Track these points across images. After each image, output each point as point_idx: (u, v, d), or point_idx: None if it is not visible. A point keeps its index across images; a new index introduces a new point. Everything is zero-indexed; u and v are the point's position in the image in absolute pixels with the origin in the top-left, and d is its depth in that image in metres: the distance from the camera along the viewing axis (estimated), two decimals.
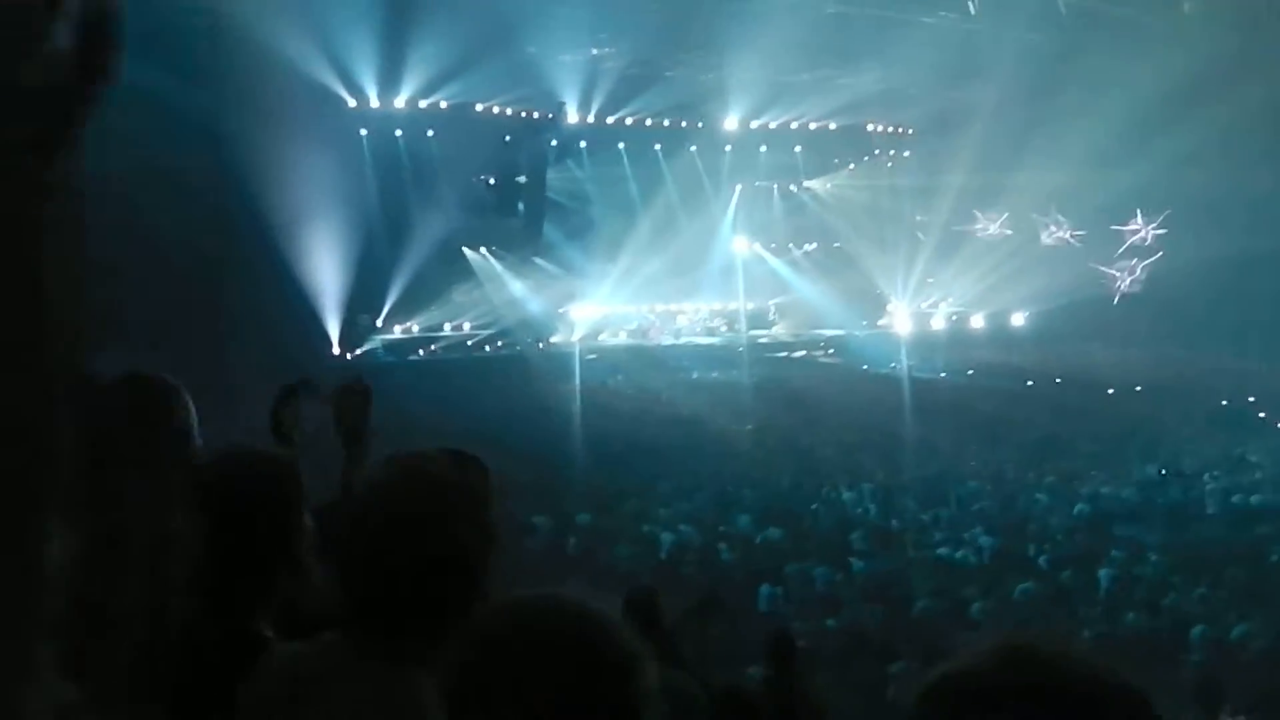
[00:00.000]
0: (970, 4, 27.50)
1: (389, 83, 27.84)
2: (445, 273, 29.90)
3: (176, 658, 2.69)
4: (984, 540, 15.74)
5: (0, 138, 0.94)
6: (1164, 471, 20.98)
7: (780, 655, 7.72)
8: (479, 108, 29.75)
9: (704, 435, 24.68)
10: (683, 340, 34.64)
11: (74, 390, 0.91)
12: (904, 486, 20.21)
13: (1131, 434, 25.18)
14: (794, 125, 34.36)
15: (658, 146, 33.73)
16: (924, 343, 34.65)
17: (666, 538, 15.67)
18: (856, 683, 9.94)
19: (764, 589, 13.02)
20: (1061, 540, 16.04)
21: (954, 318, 36.46)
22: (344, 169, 26.16)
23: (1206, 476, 20.41)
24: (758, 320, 36.02)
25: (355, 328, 27.82)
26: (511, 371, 28.47)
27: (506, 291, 31.48)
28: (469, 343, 30.71)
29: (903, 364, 32.56)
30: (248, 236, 23.25)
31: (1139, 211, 34.32)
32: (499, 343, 30.90)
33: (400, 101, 28.46)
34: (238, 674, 2.59)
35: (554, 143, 32.09)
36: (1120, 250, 35.19)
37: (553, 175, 32.54)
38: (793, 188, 37.17)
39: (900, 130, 36.18)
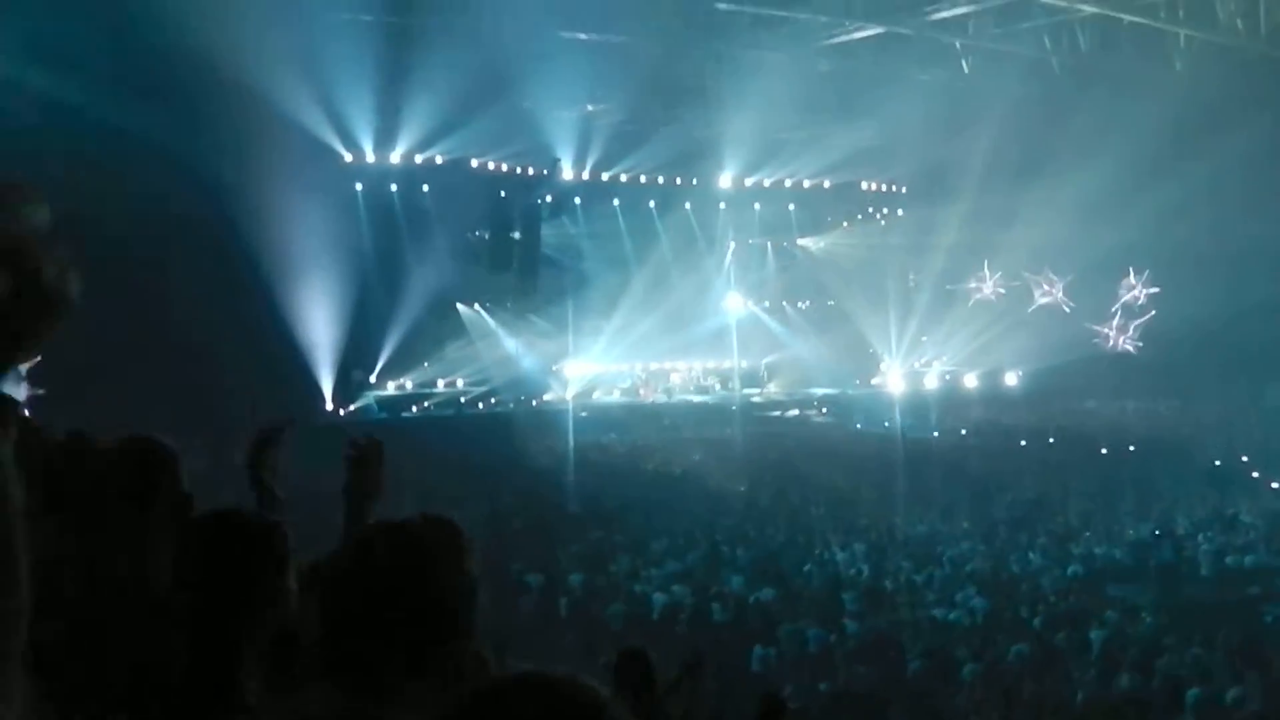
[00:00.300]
0: (963, 61, 27.75)
1: (385, 137, 27.98)
2: (439, 328, 29.91)
3: (162, 717, 2.71)
4: (977, 601, 15.67)
5: None
6: (1157, 532, 20.94)
7: (772, 716, 7.67)
8: (474, 163, 29.88)
9: (697, 494, 24.64)
10: (675, 398, 34.66)
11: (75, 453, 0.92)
12: (897, 546, 20.16)
13: (1124, 494, 25.17)
14: (788, 182, 34.55)
15: (652, 203, 33.89)
16: (917, 402, 34.67)
17: (659, 598, 15.60)
18: None
19: (757, 649, 12.98)
20: (1054, 601, 15.98)
21: (947, 377, 36.52)
22: (339, 223, 26.21)
23: (1200, 537, 20.39)
24: (751, 379, 36.07)
25: (348, 383, 27.79)
26: (505, 429, 28.42)
27: (500, 348, 31.49)
28: (462, 400, 30.68)
29: (896, 423, 32.56)
30: (244, 289, 23.31)
31: (1130, 269, 34.50)
32: (492, 400, 30.87)
33: (396, 156, 28.57)
34: None
35: (548, 198, 32.20)
36: (1112, 307, 35.32)
37: (547, 231, 32.63)
38: (786, 245, 37.32)
39: (893, 187, 36.40)
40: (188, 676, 2.78)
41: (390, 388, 29.73)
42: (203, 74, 19.59)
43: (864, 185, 36.09)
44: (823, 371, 35.58)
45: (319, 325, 26.01)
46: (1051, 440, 31.03)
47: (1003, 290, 35.60)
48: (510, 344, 31.59)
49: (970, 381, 36.20)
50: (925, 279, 35.65)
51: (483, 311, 31.81)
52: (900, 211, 36.79)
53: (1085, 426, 31.64)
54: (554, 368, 32.57)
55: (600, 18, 23.51)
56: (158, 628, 2.83)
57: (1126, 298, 35.07)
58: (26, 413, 4.26)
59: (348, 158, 27.78)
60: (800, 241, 37.34)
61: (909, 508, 23.39)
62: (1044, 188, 29.55)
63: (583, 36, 24.46)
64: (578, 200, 33.02)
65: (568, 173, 31.10)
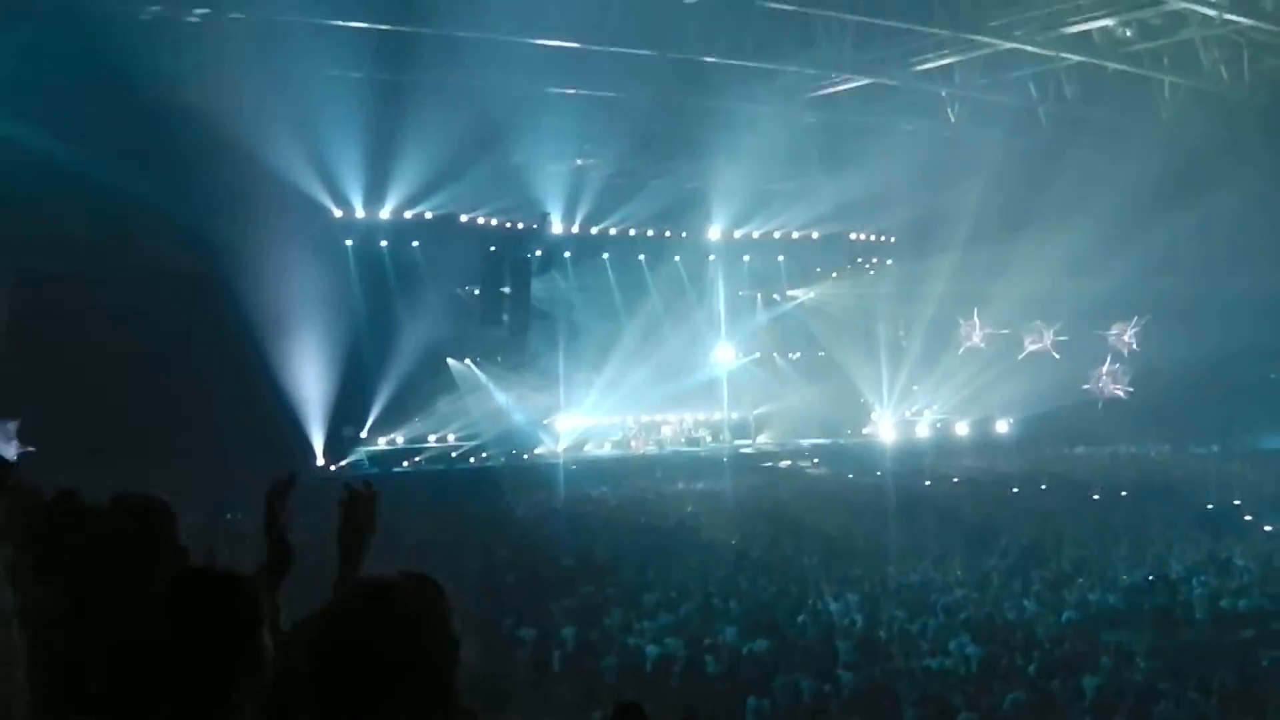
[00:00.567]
0: (949, 110, 27.95)
1: (375, 193, 28.11)
2: (430, 382, 29.93)
3: None
4: (971, 649, 15.59)
5: None
6: (1151, 577, 20.87)
7: None
8: (464, 218, 30.03)
9: (689, 545, 24.52)
10: (666, 450, 34.63)
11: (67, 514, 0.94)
12: (890, 595, 20.08)
13: (1117, 539, 25.10)
14: (777, 234, 34.74)
15: (641, 256, 34.03)
16: (909, 450, 34.66)
17: (652, 650, 15.52)
18: None
19: (751, 701, 12.90)
20: (1049, 648, 15.91)
21: (938, 425, 36.56)
22: (330, 279, 26.29)
23: (1194, 581, 20.32)
24: (741, 430, 36.06)
25: (339, 439, 27.75)
26: (496, 483, 28.34)
27: (491, 402, 31.50)
28: (453, 454, 30.64)
29: (888, 472, 32.51)
30: (236, 345, 23.33)
31: (1118, 317, 34.64)
32: (483, 454, 30.83)
33: (385, 212, 28.70)
34: None
35: (538, 252, 32.33)
36: (1101, 355, 35.43)
37: (537, 285, 32.75)
38: (776, 296, 37.44)
39: (882, 238, 36.58)
40: None
41: (381, 443, 29.72)
42: (194, 133, 19.71)
43: (853, 236, 36.33)
44: (814, 422, 35.59)
45: (310, 381, 26.02)
46: (1044, 486, 30.94)
47: (993, 337, 35.70)
48: (501, 398, 31.62)
49: (961, 429, 36.23)
50: (915, 329, 35.78)
51: (474, 366, 31.86)
52: (889, 262, 36.99)
53: (1077, 472, 31.60)
54: (545, 421, 32.57)
55: (589, 72, 23.66)
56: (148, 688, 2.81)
57: (1115, 345, 35.21)
58: (18, 473, 4.28)
59: (338, 214, 27.90)
60: (790, 292, 37.47)
61: (902, 556, 23.30)
62: (1032, 238, 29.72)
63: (572, 91, 24.61)
64: (568, 254, 33.16)
65: (558, 226, 31.26)
